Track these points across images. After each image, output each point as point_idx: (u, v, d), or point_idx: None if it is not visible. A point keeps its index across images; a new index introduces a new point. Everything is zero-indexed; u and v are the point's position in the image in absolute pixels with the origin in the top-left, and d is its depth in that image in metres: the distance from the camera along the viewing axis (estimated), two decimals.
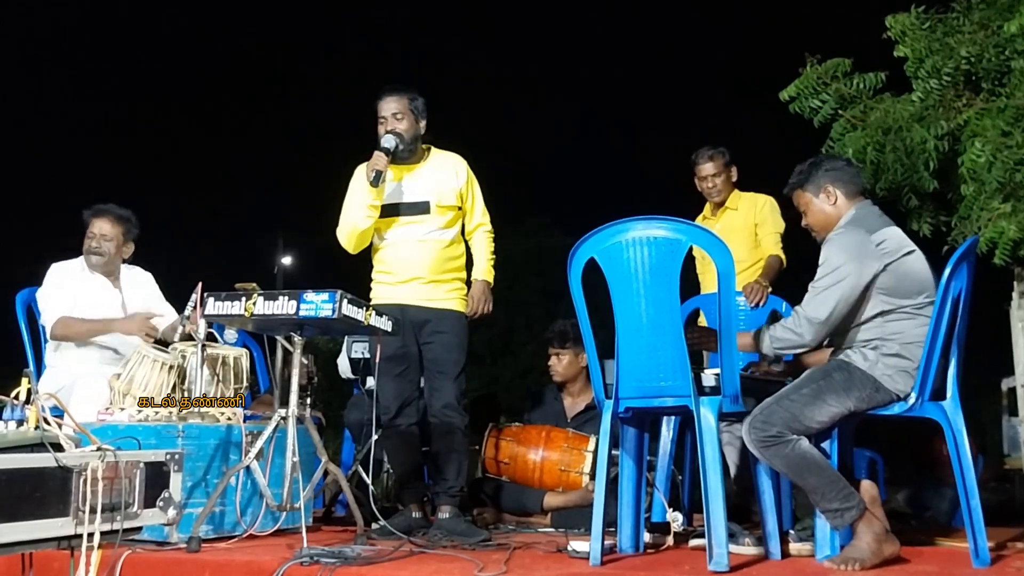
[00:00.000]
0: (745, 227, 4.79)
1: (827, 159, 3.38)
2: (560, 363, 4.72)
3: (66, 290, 4.27)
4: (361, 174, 3.93)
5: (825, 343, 3.33)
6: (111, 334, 4.24)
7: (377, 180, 3.76)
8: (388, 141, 3.81)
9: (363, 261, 4.09)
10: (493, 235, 4.10)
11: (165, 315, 4.39)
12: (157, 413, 3.66)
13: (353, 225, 3.90)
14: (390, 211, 3.93)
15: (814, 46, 4.27)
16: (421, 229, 3.92)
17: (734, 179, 4.91)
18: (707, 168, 4.84)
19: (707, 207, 4.97)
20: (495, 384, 17.08)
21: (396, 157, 3.87)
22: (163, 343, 4.13)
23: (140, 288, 4.48)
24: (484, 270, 4.04)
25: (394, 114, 3.87)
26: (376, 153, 3.80)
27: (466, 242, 4.08)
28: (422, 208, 3.91)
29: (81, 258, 4.38)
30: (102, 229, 4.34)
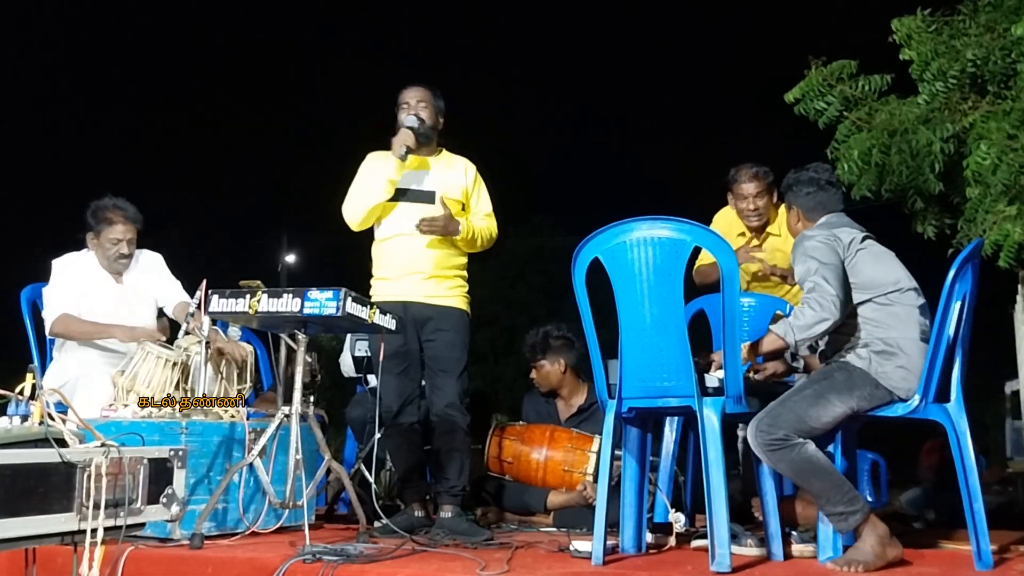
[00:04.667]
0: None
1: (802, 183, 3.42)
2: (539, 374, 4.70)
3: (72, 286, 4.25)
4: (372, 159, 3.99)
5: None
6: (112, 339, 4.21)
7: (405, 155, 3.84)
8: (411, 120, 3.91)
9: (367, 259, 4.08)
10: (494, 234, 4.06)
11: (170, 299, 4.38)
12: (160, 410, 3.66)
13: (370, 197, 3.89)
14: (396, 195, 3.94)
15: (817, 47, 4.27)
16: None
17: (775, 201, 4.32)
18: (748, 188, 4.29)
19: (738, 223, 4.41)
20: (498, 383, 17.08)
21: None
22: (175, 326, 4.14)
23: (147, 276, 4.42)
24: (466, 222, 3.93)
25: (418, 101, 3.98)
26: (403, 130, 3.89)
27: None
28: (428, 198, 3.91)
29: (85, 252, 4.36)
30: (126, 233, 4.29)
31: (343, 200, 4.01)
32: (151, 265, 4.47)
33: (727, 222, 4.49)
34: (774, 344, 3.17)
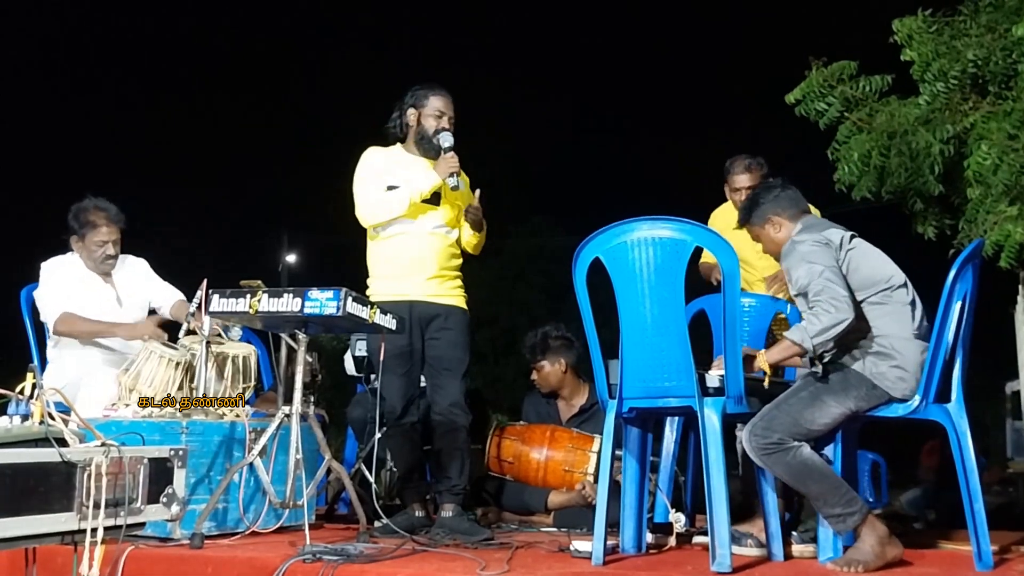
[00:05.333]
0: None
1: (764, 191, 3.41)
2: (540, 375, 4.70)
3: (64, 286, 4.24)
4: (373, 155, 3.98)
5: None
6: (114, 337, 4.21)
7: (458, 185, 3.82)
8: (450, 139, 3.88)
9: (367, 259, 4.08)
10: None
11: (166, 299, 4.38)
12: (161, 410, 3.66)
13: (399, 208, 3.85)
14: None
15: (817, 47, 4.28)
16: (429, 222, 3.90)
17: None
18: (742, 179, 4.34)
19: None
20: (498, 383, 17.08)
21: (429, 152, 3.91)
22: (176, 326, 4.13)
23: (136, 279, 4.42)
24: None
25: (449, 118, 3.95)
26: (451, 157, 3.83)
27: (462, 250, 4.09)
28: (434, 199, 3.90)
29: (70, 255, 4.35)
30: (111, 234, 4.28)
31: (345, 199, 3.98)
32: (139, 271, 4.47)
33: (726, 218, 4.48)
34: (789, 351, 3.08)
